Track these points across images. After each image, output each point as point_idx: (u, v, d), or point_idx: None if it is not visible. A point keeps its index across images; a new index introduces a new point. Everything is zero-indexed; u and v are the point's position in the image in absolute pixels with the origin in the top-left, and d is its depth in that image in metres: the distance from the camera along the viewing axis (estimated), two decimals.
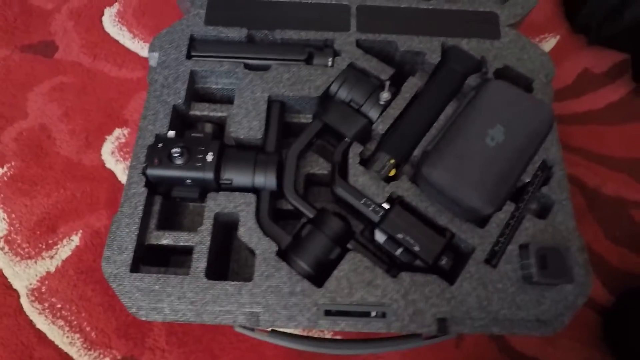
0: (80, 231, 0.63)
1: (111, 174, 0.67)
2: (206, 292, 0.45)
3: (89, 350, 0.57)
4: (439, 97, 0.55)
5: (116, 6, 0.79)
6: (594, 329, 0.59)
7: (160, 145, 0.49)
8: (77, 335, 0.58)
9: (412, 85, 0.55)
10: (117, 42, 0.76)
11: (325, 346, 0.47)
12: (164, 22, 0.78)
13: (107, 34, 0.77)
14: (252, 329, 0.46)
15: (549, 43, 0.78)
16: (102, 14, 0.79)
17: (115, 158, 0.68)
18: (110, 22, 0.78)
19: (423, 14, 0.60)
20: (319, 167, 0.55)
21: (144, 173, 0.50)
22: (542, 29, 0.79)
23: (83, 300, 0.59)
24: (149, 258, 0.50)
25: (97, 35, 0.77)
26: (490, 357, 0.57)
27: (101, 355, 0.57)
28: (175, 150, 0.48)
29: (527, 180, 0.51)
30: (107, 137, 0.69)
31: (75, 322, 0.58)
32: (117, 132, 0.70)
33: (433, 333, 0.44)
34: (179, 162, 0.48)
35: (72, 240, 0.63)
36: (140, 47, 0.76)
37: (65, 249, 0.62)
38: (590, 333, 0.59)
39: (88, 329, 0.58)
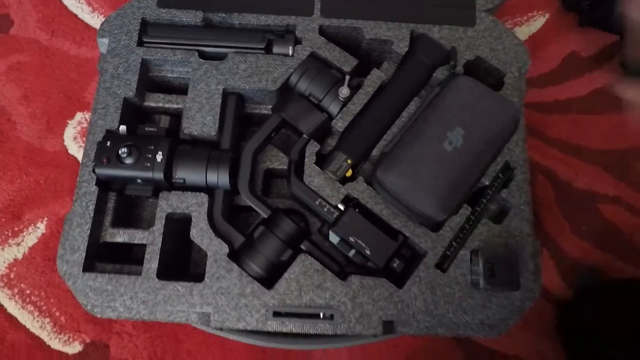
0: (46, 218, 0.63)
1: (75, 161, 0.66)
2: (158, 293, 0.46)
3: (59, 334, 0.59)
4: (403, 92, 0.52)
5: None
6: (548, 321, 0.61)
7: (109, 143, 0.48)
8: (47, 319, 0.60)
9: (375, 78, 0.52)
10: (75, 16, 0.72)
11: (276, 341, 0.49)
12: None
13: (65, 7, 0.72)
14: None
15: (536, 22, 0.73)
16: None
17: (78, 144, 0.66)
18: None
19: None
20: (279, 161, 0.54)
21: (94, 171, 0.49)
22: (531, 6, 0.74)
23: (51, 287, 0.61)
24: (109, 253, 0.51)
25: (53, 7, 0.72)
26: (444, 343, 0.60)
27: (71, 339, 0.59)
28: (123, 151, 0.46)
29: (487, 182, 0.49)
30: (68, 121, 0.67)
31: (44, 307, 0.60)
32: (79, 116, 0.67)
33: (379, 334, 0.46)
34: (127, 161, 0.47)
35: (38, 228, 0.63)
36: (99, 23, 0.71)
37: (32, 236, 0.63)
38: (544, 324, 0.60)
39: (57, 313, 0.60)
